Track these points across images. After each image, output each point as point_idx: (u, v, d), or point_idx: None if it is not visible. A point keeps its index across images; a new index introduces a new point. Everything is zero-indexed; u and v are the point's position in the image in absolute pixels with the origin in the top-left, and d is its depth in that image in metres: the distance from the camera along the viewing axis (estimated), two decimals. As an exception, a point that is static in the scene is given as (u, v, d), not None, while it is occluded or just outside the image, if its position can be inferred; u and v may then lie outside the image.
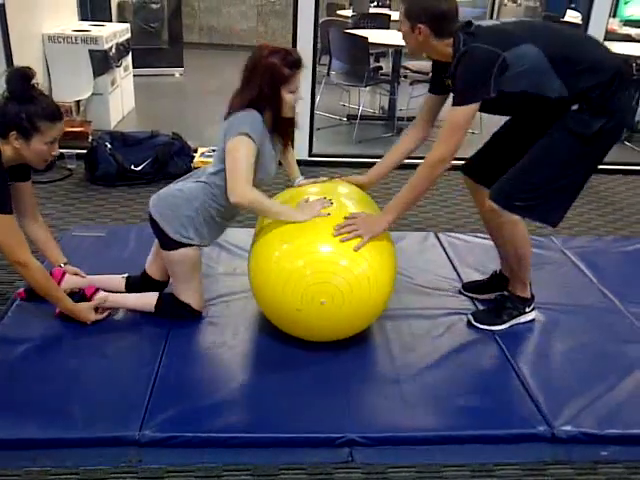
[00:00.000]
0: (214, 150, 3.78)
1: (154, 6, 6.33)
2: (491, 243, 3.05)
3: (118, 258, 2.63)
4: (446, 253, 2.95)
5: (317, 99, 4.56)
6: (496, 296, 2.46)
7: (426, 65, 5.92)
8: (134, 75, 5.30)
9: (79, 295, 2.25)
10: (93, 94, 4.45)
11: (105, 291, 2.29)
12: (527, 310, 2.40)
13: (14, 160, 2.02)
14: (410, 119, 5.18)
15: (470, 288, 2.60)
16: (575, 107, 2.05)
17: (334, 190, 2.31)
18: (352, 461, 1.74)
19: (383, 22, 6.20)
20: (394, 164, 2.42)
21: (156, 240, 2.23)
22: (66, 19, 4.75)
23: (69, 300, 2.18)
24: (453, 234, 3.17)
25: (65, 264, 2.36)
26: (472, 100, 1.99)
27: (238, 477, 1.68)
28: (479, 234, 3.19)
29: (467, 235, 3.15)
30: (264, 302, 2.14)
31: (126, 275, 2.41)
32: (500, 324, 2.35)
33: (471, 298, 2.55)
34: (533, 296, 2.42)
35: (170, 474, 1.68)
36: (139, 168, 3.50)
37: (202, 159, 3.73)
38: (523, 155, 2.15)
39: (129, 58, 5.11)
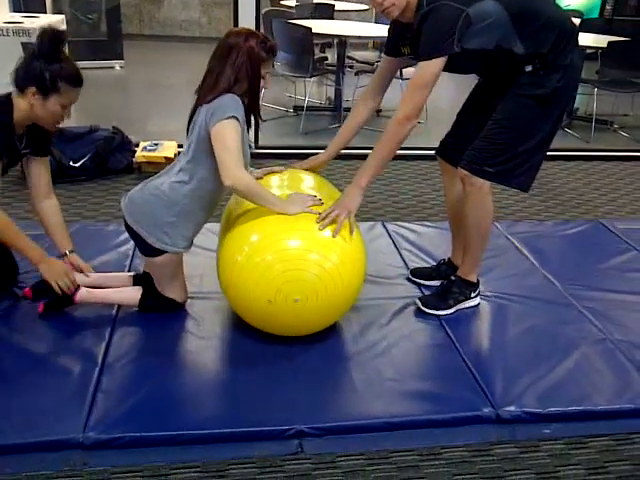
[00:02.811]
0: (156, 144, 3.74)
1: (91, -4, 6.13)
2: (437, 231, 3.11)
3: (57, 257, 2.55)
4: (393, 242, 2.97)
5: (262, 91, 4.53)
6: (442, 281, 2.49)
7: (371, 55, 5.98)
8: (72, 68, 5.13)
9: (62, 298, 2.20)
10: (28, 88, 4.28)
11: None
12: (472, 295, 2.44)
13: (26, 118, 2.04)
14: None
15: (418, 274, 2.63)
16: (529, 68, 2.09)
17: (298, 180, 2.29)
18: (302, 452, 1.74)
19: (327, 12, 6.19)
20: (350, 135, 2.40)
21: None
22: (-4, 10, 4.56)
23: (36, 249, 2.13)
24: (400, 223, 3.20)
25: (71, 252, 2.29)
26: (437, 54, 2.00)
27: (187, 474, 1.65)
28: (426, 222, 3.24)
29: (413, 224, 3.18)
30: (234, 296, 2.10)
31: (133, 273, 2.39)
32: (446, 308, 2.39)
33: (418, 284, 2.59)
34: (479, 281, 2.46)
35: (116, 475, 1.64)
36: (78, 164, 3.40)
37: (144, 153, 3.64)
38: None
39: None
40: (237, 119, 1.94)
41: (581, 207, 3.63)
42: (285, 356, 2.09)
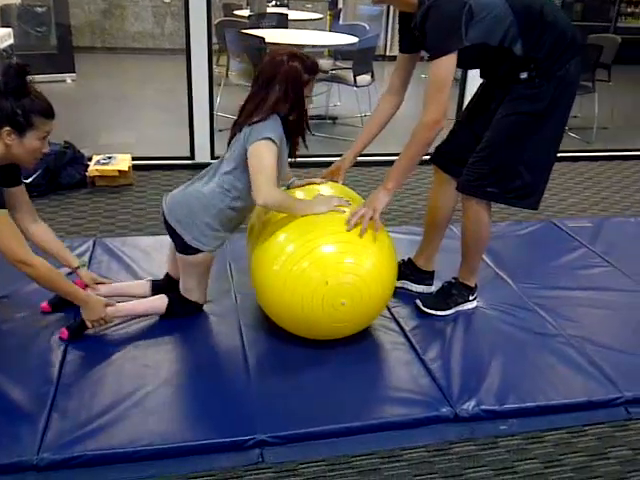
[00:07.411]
0: (110, 157, 3.69)
1: (39, 9, 6.01)
2: (396, 236, 3.13)
3: (12, 274, 2.49)
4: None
5: (217, 100, 4.51)
6: (443, 283, 2.53)
7: (327, 63, 5.99)
8: (21, 82, 5.03)
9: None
10: (-25, 104, 4.18)
11: (130, 298, 2.31)
12: (470, 298, 2.49)
13: (4, 159, 1.96)
14: (312, 117, 5.24)
15: None
16: (524, 75, 2.07)
17: (332, 191, 2.29)
18: (262, 462, 1.73)
19: (281, 21, 6.22)
20: (374, 133, 2.39)
21: (171, 242, 2.22)
22: (-60, 25, 4.44)
23: (81, 291, 2.13)
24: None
25: (80, 267, 2.31)
26: (448, 50, 1.95)
27: (146, 491, 1.64)
28: (389, 227, 3.27)
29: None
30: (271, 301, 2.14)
31: (151, 279, 2.41)
32: (446, 309, 2.44)
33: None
34: (476, 285, 2.50)
35: (73, 496, 1.61)
36: (29, 180, 3.31)
37: (97, 167, 3.59)
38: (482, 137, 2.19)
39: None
40: (272, 140, 2.01)
41: (533, 207, 3.71)
42: (242, 366, 2.08)
